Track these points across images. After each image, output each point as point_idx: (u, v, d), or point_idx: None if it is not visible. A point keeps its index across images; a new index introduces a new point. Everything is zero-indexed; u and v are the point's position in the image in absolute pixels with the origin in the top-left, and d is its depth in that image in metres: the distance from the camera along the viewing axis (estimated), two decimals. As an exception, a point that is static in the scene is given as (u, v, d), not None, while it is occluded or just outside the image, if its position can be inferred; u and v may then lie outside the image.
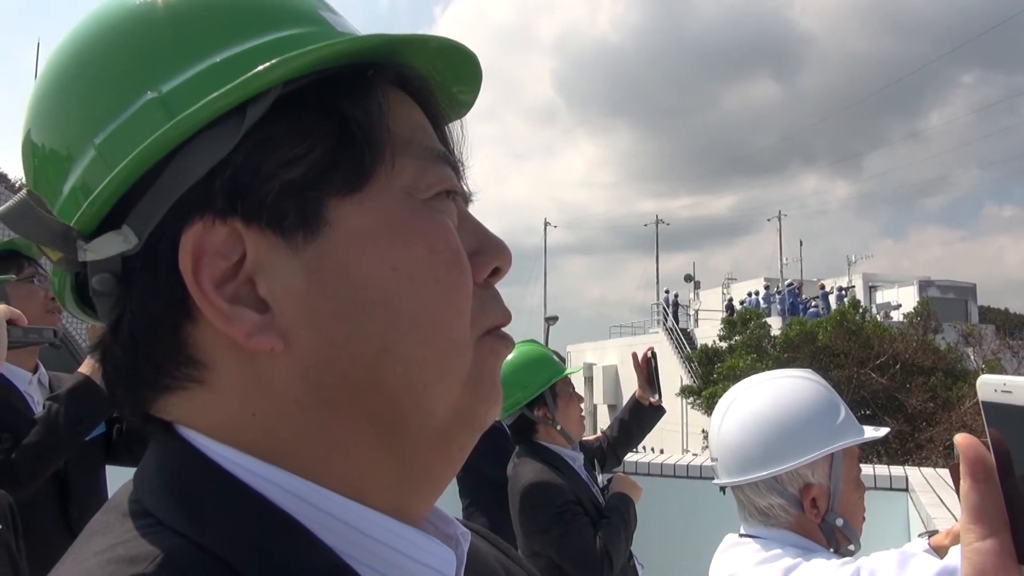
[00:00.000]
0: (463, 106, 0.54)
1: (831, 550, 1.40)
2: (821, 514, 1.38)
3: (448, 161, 0.49)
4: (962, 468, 0.48)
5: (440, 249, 0.46)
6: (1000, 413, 0.47)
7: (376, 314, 0.43)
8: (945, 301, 28.31)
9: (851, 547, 1.44)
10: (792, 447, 1.38)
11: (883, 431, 1.45)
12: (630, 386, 3.14)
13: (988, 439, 0.48)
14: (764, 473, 1.39)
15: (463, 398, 0.46)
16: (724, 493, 1.49)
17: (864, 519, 1.47)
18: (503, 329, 0.51)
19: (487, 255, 0.49)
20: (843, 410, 1.44)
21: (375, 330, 0.43)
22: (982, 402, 0.48)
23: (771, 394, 1.45)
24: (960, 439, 0.49)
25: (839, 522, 1.39)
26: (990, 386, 0.47)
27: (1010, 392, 0.46)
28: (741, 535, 1.46)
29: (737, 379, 1.71)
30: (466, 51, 0.49)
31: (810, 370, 1.56)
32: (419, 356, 0.44)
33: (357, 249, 0.44)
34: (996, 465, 0.47)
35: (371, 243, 0.44)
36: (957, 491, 0.50)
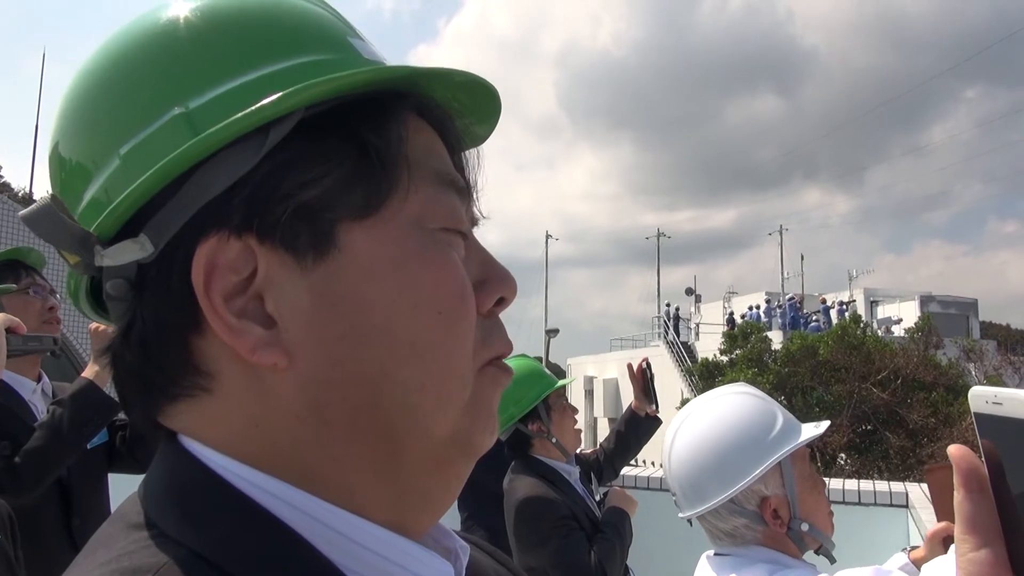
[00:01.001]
0: (479, 138, 0.55)
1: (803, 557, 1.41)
2: (785, 523, 1.39)
3: (460, 188, 0.50)
4: (956, 479, 0.49)
5: (444, 281, 0.46)
6: (992, 424, 0.48)
7: (377, 340, 0.44)
8: (946, 316, 28.22)
9: (825, 545, 1.44)
10: (738, 468, 1.40)
11: (823, 426, 1.46)
12: (630, 399, 3.13)
13: (981, 450, 0.49)
14: (719, 499, 1.40)
15: (460, 425, 0.47)
16: (692, 525, 1.50)
17: (832, 512, 1.47)
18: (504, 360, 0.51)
19: (493, 285, 0.50)
20: (780, 417, 1.45)
21: (376, 355, 0.44)
22: (974, 413, 0.49)
23: (707, 422, 1.47)
24: (953, 450, 0.49)
25: (804, 527, 1.40)
26: (981, 398, 0.48)
27: (1001, 404, 0.47)
28: (715, 554, 1.48)
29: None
30: (488, 86, 0.50)
31: (741, 383, 1.58)
32: (418, 383, 0.45)
33: (363, 275, 0.44)
34: (989, 476, 0.48)
35: (377, 270, 0.44)
36: (932, 501, 0.51)
